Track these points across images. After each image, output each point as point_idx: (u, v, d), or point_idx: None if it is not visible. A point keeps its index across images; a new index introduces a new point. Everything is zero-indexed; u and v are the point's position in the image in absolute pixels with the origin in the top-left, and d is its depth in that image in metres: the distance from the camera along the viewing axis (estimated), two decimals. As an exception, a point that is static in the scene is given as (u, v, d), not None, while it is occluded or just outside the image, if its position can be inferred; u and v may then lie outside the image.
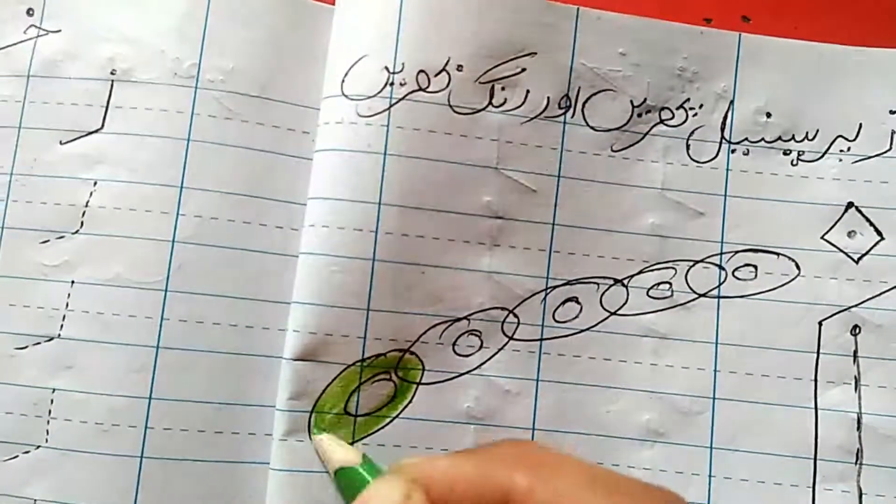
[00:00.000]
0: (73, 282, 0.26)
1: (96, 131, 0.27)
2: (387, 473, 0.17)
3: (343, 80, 0.27)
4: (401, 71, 0.27)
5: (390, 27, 0.27)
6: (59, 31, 0.28)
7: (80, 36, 0.28)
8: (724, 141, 0.28)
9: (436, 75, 0.27)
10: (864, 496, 0.26)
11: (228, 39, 0.28)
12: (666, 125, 0.28)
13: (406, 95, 0.27)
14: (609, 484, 0.16)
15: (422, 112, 0.27)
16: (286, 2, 0.28)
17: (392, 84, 0.27)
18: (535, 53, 0.28)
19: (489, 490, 0.16)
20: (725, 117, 0.29)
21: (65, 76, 0.28)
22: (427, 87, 0.27)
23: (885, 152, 0.28)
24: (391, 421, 0.27)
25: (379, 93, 0.27)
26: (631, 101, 0.28)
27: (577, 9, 0.28)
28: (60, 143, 0.27)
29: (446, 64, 0.27)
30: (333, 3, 0.28)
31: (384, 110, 0.27)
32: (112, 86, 0.27)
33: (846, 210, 0.28)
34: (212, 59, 0.28)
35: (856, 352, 0.27)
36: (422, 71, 0.27)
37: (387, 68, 0.27)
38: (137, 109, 0.27)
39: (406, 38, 0.27)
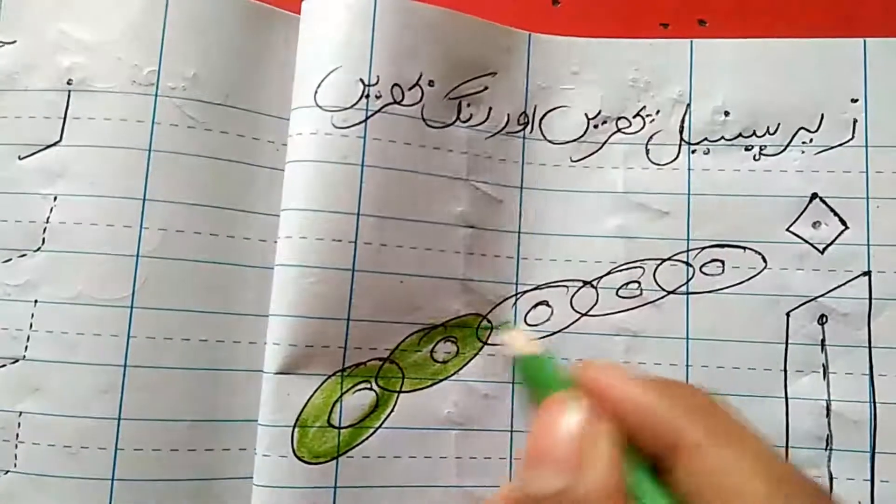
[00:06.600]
0: (36, 301, 0.26)
1: (55, 144, 0.27)
2: (571, 380, 0.17)
3: (316, 91, 0.27)
4: (376, 83, 0.27)
5: (363, 40, 0.27)
6: (15, 42, 0.27)
7: (36, 46, 0.27)
8: (683, 143, 0.29)
9: (409, 89, 0.27)
10: (834, 480, 0.27)
11: (189, 45, 0.27)
12: (623, 133, 0.29)
13: (382, 108, 0.27)
14: (784, 478, 0.14)
15: (397, 125, 0.27)
16: (248, 8, 0.28)
17: (368, 96, 0.27)
18: (496, 73, 0.29)
19: (662, 428, 0.15)
20: (683, 120, 0.29)
21: (21, 88, 0.27)
22: (402, 100, 0.27)
23: (848, 141, 0.29)
24: (375, 431, 0.26)
25: (354, 104, 0.27)
26: (585, 115, 0.29)
27: (529, 34, 0.29)
28: (19, 157, 0.27)
29: (419, 79, 0.28)
30: (299, 13, 0.28)
31: (360, 122, 0.27)
32: (69, 96, 0.27)
33: (810, 201, 0.28)
34: (172, 65, 0.27)
35: (823, 340, 0.28)
36: (396, 84, 0.27)
37: (361, 80, 0.27)
38: (96, 120, 0.27)
39: (380, 51, 0.27)
